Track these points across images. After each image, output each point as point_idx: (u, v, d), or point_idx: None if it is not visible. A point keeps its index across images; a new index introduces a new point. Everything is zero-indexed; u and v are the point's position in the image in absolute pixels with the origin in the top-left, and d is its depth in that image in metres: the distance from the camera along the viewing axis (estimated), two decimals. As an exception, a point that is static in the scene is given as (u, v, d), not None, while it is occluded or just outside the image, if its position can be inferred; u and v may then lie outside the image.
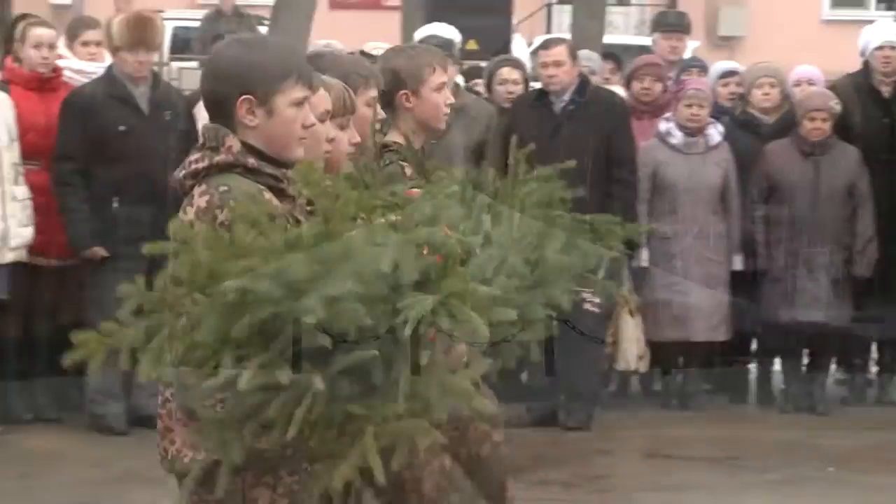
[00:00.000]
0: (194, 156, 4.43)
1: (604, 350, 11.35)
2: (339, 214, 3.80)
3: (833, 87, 12.23)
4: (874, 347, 12.44)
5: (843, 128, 11.86)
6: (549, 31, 23.13)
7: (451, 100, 6.50)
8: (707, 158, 11.73)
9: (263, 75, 4.41)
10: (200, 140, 4.46)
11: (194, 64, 15.54)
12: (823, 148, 11.67)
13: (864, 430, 11.39)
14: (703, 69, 12.96)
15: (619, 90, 12.21)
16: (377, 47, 11.68)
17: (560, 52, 11.21)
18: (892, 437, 11.14)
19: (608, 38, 17.34)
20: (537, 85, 11.62)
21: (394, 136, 6.07)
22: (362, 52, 10.75)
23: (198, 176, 4.39)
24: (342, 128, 5.20)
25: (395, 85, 6.15)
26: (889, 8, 26.75)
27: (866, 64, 12.27)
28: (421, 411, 3.75)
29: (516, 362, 4.62)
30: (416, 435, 3.68)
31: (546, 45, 11.67)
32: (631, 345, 11.45)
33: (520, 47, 14.33)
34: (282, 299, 3.63)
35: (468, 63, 12.78)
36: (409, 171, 5.62)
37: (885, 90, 12.12)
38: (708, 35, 27.96)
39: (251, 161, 4.37)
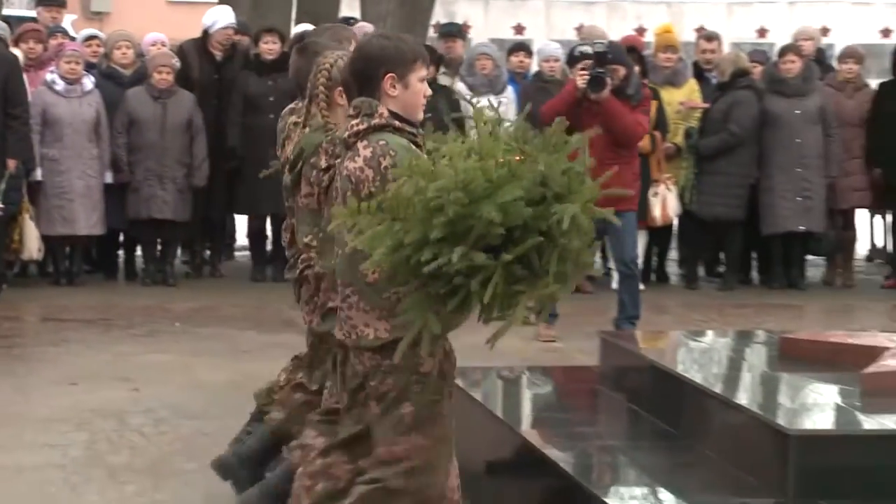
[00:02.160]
0: (355, 120, 4.49)
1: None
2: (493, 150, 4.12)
3: (180, 48, 12.28)
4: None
5: (185, 78, 11.93)
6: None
7: None
8: (83, 101, 11.54)
9: (403, 58, 4.51)
10: (355, 110, 4.51)
11: None
12: (168, 93, 11.68)
13: (201, 296, 11.53)
14: (66, 34, 12.69)
15: (16, 50, 11.85)
16: None
17: None
18: (220, 302, 11.33)
19: (7, 11, 16.81)
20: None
21: None
22: None
23: (359, 135, 4.45)
24: None
25: None
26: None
27: (205, 33, 12.28)
28: (561, 282, 4.05)
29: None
30: (559, 296, 4.08)
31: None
32: (31, 240, 11.24)
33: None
34: (468, 204, 3.93)
35: None
36: None
37: (218, 54, 12.20)
38: (83, 10, 27.50)
39: (397, 123, 4.48)
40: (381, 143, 4.40)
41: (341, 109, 5.10)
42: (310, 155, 5.16)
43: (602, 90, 9.02)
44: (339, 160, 4.65)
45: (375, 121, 4.46)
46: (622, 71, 9.22)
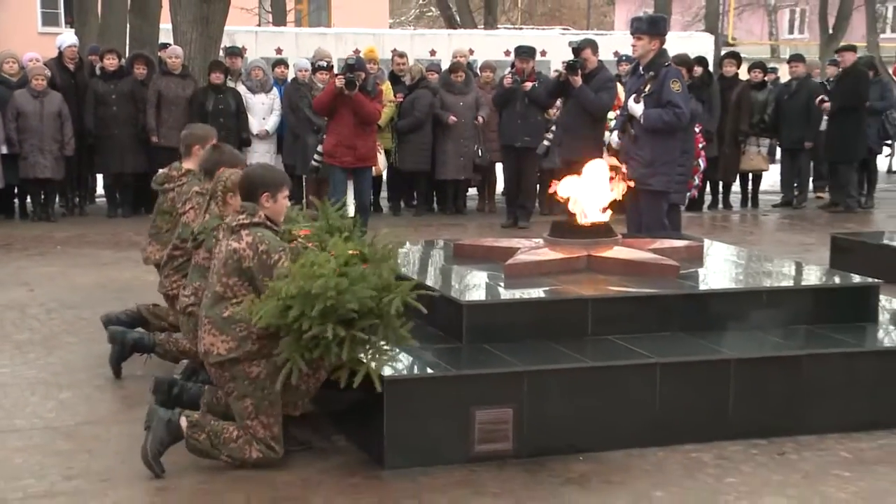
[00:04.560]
0: (241, 216, 4.37)
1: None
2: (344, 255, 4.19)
3: (49, 63, 11.50)
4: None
5: (54, 84, 11.19)
6: None
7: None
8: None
9: (275, 183, 4.42)
10: (242, 209, 4.40)
11: None
12: (44, 94, 10.96)
13: (74, 228, 10.87)
14: None
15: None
16: None
17: None
18: (87, 231, 10.74)
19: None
20: None
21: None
22: None
23: (244, 226, 4.33)
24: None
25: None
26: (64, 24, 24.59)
27: (60, 52, 11.50)
28: (391, 345, 4.18)
29: None
30: (391, 360, 4.25)
31: None
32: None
33: None
34: (337, 296, 3.99)
35: None
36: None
37: (71, 66, 11.52)
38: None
39: (268, 223, 4.39)
40: (259, 234, 4.31)
41: (231, 207, 4.85)
42: (209, 233, 4.86)
43: (354, 89, 9.10)
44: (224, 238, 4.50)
45: (255, 219, 4.37)
46: (363, 75, 9.32)
